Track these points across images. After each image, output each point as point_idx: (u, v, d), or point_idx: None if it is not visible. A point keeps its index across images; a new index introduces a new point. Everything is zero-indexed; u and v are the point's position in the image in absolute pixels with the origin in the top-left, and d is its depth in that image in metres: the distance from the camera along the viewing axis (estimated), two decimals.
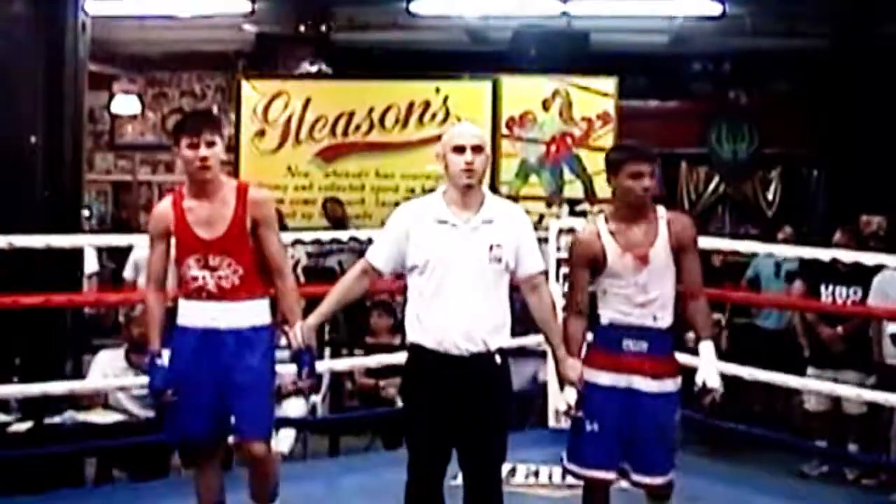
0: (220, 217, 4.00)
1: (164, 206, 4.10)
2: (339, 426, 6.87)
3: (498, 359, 3.72)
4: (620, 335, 3.84)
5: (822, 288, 6.70)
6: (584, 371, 3.83)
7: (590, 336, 3.95)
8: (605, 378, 3.83)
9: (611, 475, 3.89)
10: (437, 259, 3.66)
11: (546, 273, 3.94)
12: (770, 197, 12.33)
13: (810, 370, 6.65)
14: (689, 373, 3.91)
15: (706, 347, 3.84)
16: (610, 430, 3.82)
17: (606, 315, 3.87)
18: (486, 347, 3.68)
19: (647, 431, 3.81)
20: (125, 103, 12.80)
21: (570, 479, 5.42)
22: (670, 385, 3.85)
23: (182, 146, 3.98)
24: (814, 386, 6.19)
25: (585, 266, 3.89)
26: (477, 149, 3.66)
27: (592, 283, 3.92)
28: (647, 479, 3.87)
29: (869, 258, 5.62)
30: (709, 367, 3.80)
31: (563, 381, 3.84)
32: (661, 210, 3.90)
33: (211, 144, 3.97)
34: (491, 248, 3.66)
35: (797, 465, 6.65)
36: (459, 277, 3.64)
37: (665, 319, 3.84)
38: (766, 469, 5.82)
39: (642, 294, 3.81)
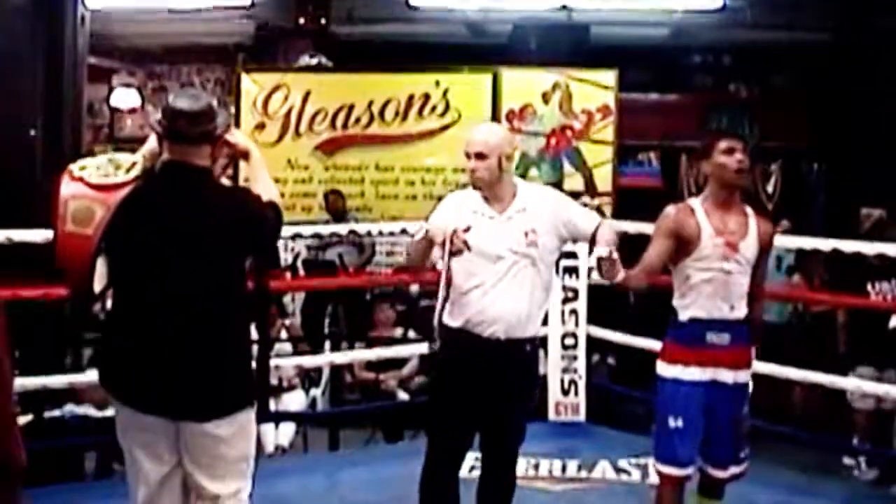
0: None
1: None
2: (340, 419, 6.87)
3: (528, 347, 3.85)
4: (704, 329, 3.86)
5: (869, 286, 6.68)
6: (665, 367, 3.89)
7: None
8: (691, 373, 3.85)
9: (690, 471, 3.93)
10: (474, 247, 3.77)
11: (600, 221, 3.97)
12: (770, 190, 12.32)
13: (860, 369, 6.60)
14: None
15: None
16: (693, 425, 3.85)
17: (686, 312, 3.89)
18: (516, 335, 3.79)
19: (723, 423, 3.88)
20: (125, 96, 12.79)
21: (570, 473, 5.48)
22: (745, 376, 3.92)
23: None
24: (815, 379, 6.18)
25: (672, 237, 3.88)
26: (480, 156, 3.83)
27: (675, 265, 3.91)
28: (718, 473, 3.96)
29: (870, 248, 5.64)
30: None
31: (594, 246, 3.79)
32: (748, 209, 3.96)
33: None
34: (526, 234, 3.79)
35: (794, 458, 6.63)
36: (495, 266, 3.77)
37: (742, 309, 3.89)
38: (765, 462, 5.81)
39: (724, 285, 3.84)
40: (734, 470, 3.97)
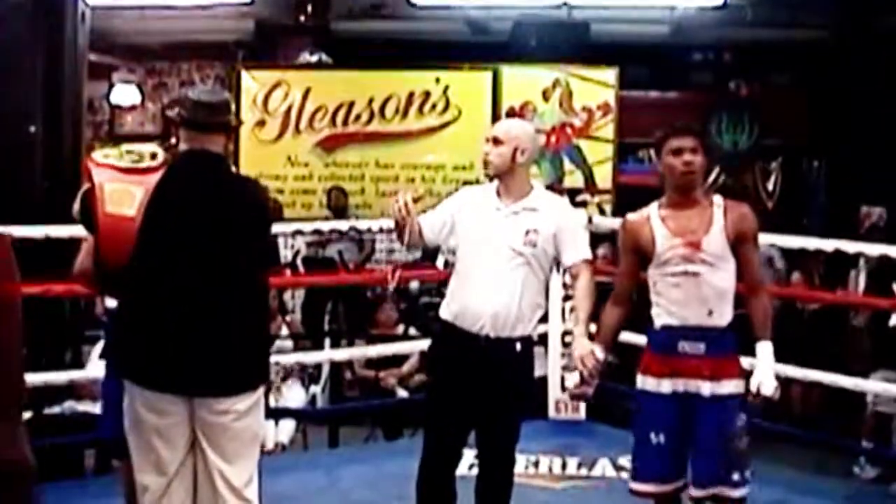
0: None
1: None
2: (339, 417, 6.87)
3: (518, 346, 3.83)
4: (676, 337, 3.64)
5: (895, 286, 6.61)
6: (641, 379, 3.71)
7: (644, 340, 3.84)
8: (664, 386, 3.65)
9: (680, 483, 3.69)
10: (475, 235, 3.83)
11: (590, 261, 3.97)
12: (770, 188, 12.30)
13: (881, 372, 6.55)
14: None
15: (763, 349, 3.63)
16: (675, 439, 3.64)
17: (660, 318, 3.69)
18: (504, 333, 3.79)
19: (705, 439, 3.60)
20: (125, 93, 12.75)
21: (570, 470, 5.49)
22: (730, 387, 3.63)
23: None
24: (813, 377, 6.18)
25: (631, 251, 3.76)
26: (496, 140, 3.87)
27: (644, 274, 3.75)
28: (696, 492, 3.65)
29: (871, 248, 5.63)
30: (765, 371, 3.58)
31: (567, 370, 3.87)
32: (717, 198, 3.72)
33: None
34: (527, 231, 3.80)
35: (793, 456, 6.64)
36: (490, 258, 3.79)
37: (723, 316, 3.65)
38: (765, 461, 5.82)
39: (695, 287, 3.61)
40: (727, 491, 3.61)
